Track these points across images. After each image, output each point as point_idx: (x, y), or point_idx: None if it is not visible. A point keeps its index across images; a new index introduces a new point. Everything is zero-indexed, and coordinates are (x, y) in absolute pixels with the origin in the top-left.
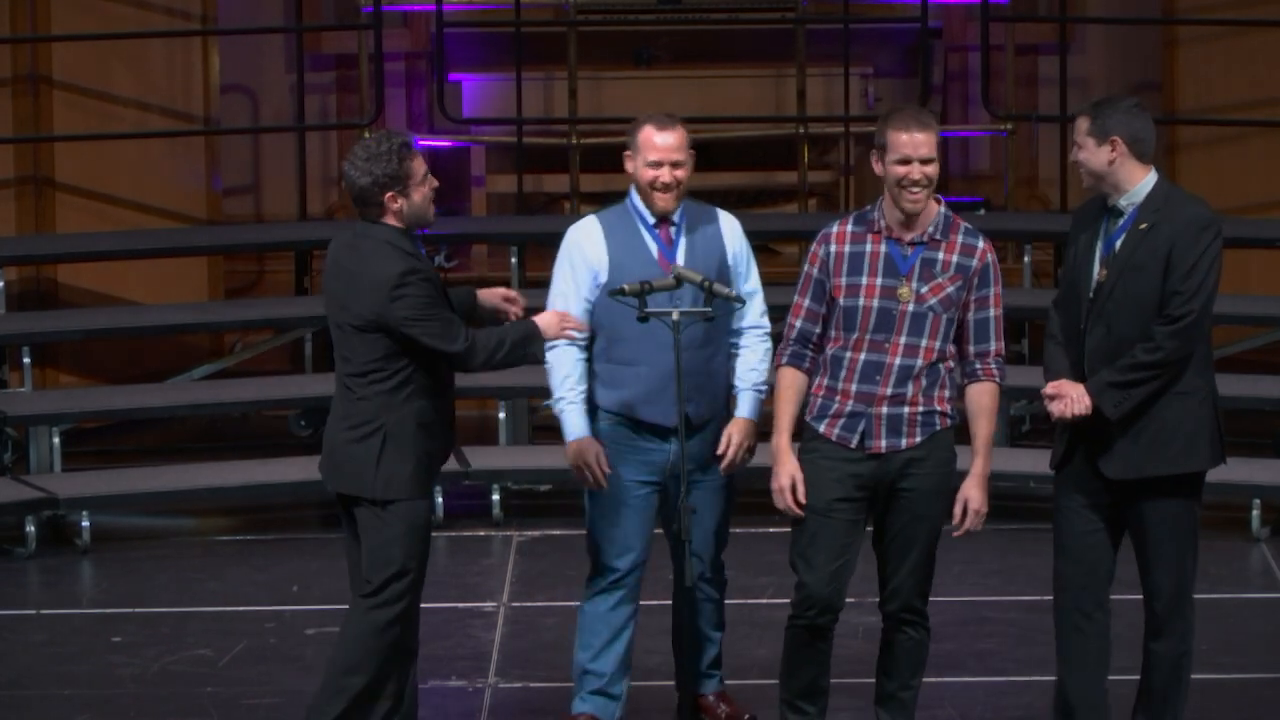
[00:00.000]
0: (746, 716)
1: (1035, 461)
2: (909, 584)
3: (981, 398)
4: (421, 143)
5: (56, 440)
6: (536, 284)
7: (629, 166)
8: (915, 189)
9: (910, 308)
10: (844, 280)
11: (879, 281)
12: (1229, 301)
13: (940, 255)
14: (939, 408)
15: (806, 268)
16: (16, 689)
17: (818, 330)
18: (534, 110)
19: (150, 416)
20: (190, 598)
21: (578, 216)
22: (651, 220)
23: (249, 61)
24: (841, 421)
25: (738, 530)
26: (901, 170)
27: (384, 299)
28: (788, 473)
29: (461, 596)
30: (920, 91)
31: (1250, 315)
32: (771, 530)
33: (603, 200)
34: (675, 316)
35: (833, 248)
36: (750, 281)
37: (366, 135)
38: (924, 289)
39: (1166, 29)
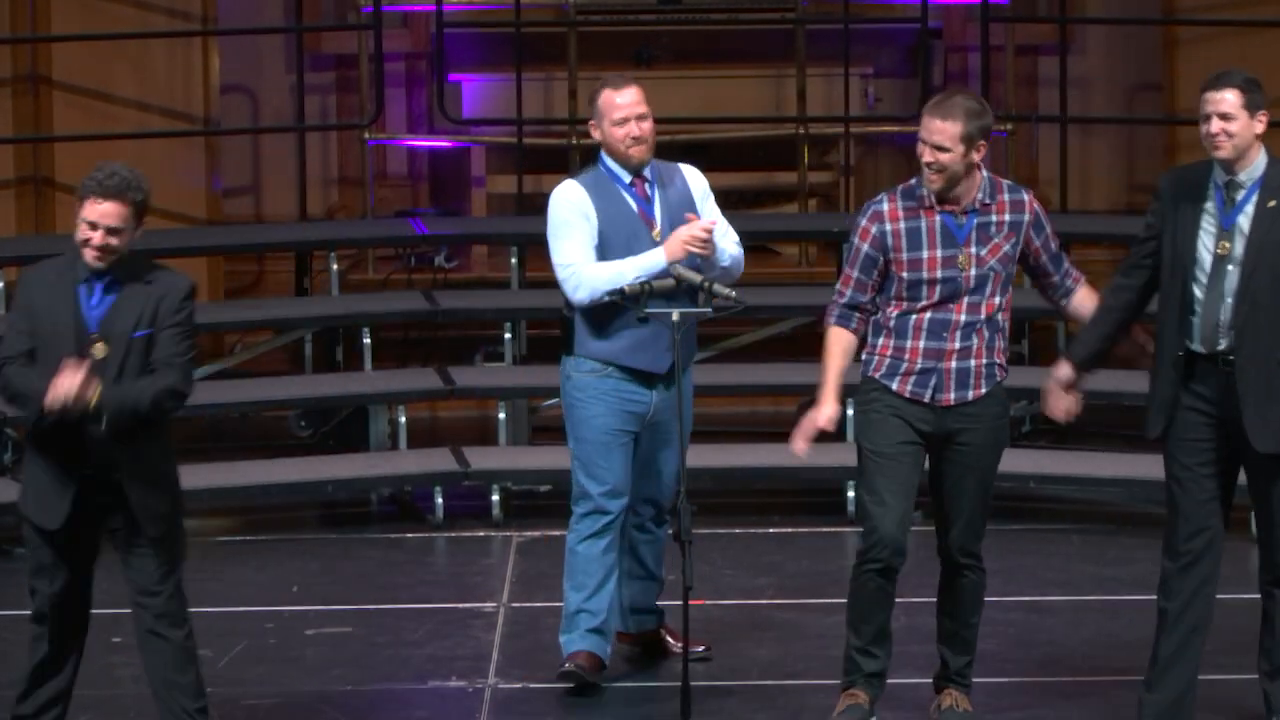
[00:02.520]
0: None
1: (1035, 462)
2: (967, 532)
3: (1088, 300)
4: (422, 143)
5: None
6: (536, 284)
7: (595, 134)
8: (927, 170)
9: (973, 271)
10: (905, 255)
11: (939, 253)
12: None
13: (993, 217)
14: (998, 360)
15: (857, 243)
16: (10, 695)
17: (866, 299)
18: (534, 111)
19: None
20: (190, 598)
21: None
22: (626, 179)
23: (249, 62)
24: (913, 378)
25: (737, 530)
26: (919, 150)
27: None
28: (825, 415)
29: (461, 596)
30: (920, 92)
31: None
32: (771, 531)
33: None
34: (675, 317)
35: (888, 226)
36: (716, 213)
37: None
38: (983, 252)
39: (1166, 29)
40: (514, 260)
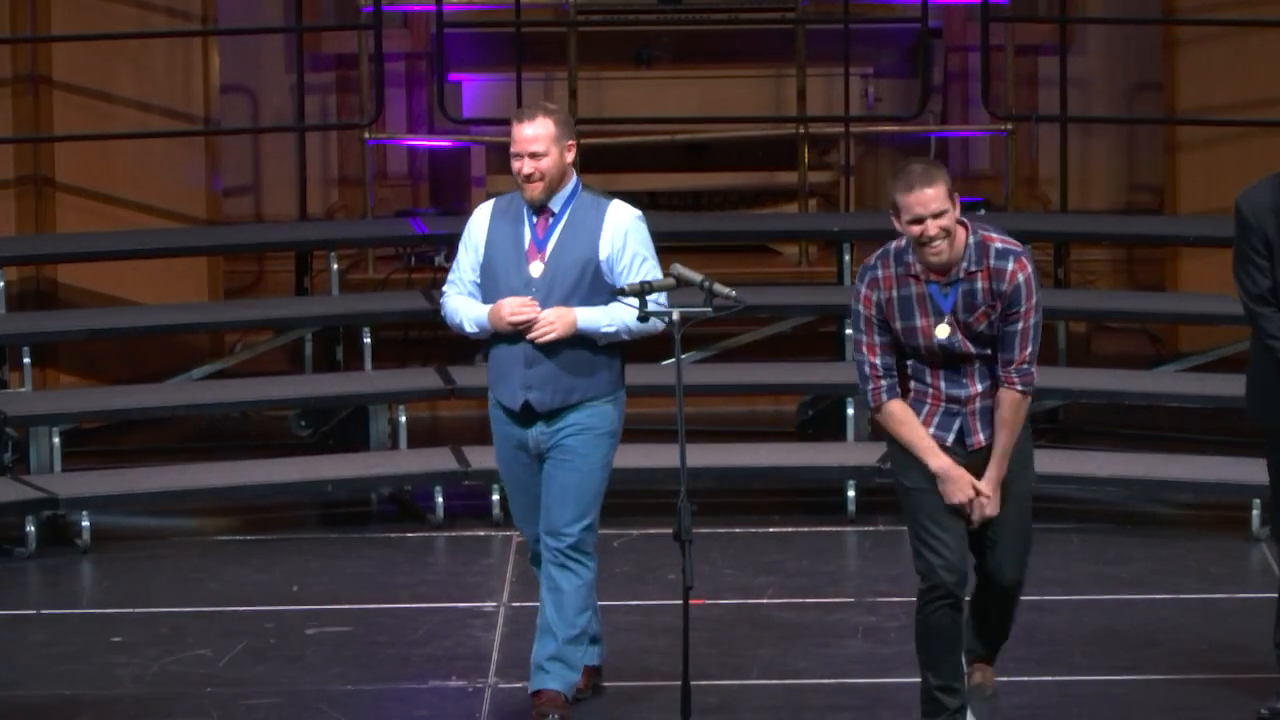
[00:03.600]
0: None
1: (1037, 462)
2: (1010, 557)
3: (1003, 408)
4: (422, 143)
5: (57, 440)
6: None
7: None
8: (934, 243)
9: (965, 334)
10: (899, 325)
11: (930, 320)
12: (1228, 302)
13: (978, 284)
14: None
15: (862, 310)
16: (17, 689)
17: (893, 359)
18: None
19: (150, 417)
20: (190, 598)
21: None
22: (533, 210)
23: (249, 61)
24: (935, 422)
25: (737, 530)
26: (916, 230)
27: None
28: (967, 479)
29: (462, 596)
30: (920, 92)
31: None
32: (771, 530)
33: None
34: (675, 316)
35: (883, 294)
36: (636, 275)
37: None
38: (970, 319)
39: (1167, 29)
40: None
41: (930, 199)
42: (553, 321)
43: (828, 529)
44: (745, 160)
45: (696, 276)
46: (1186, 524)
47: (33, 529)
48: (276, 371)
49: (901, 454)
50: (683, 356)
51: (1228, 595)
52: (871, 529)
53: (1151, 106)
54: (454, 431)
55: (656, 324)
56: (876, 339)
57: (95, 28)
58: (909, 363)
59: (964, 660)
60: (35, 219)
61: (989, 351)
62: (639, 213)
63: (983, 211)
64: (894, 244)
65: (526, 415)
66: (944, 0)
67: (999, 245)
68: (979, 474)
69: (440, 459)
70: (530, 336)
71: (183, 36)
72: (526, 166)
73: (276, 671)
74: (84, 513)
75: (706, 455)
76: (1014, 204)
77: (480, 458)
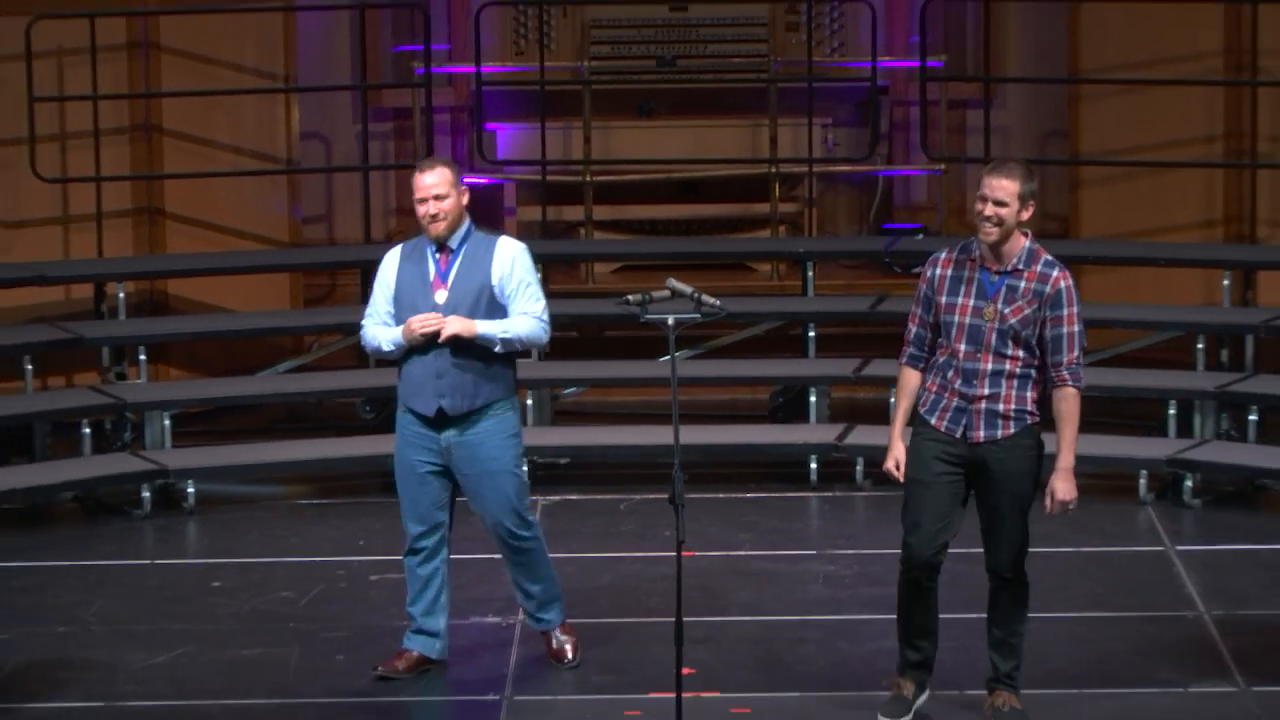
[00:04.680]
0: (568, 653)
1: None
2: (1005, 550)
3: (1060, 403)
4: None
5: (167, 423)
6: (558, 295)
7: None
8: (986, 224)
9: (996, 324)
10: (944, 299)
11: (971, 302)
12: (1124, 309)
13: (1022, 283)
14: (1029, 408)
15: (919, 286)
16: (135, 625)
17: (929, 335)
18: (555, 153)
19: (243, 403)
20: (276, 550)
21: (592, 240)
22: (435, 248)
23: (323, 113)
24: (949, 415)
25: (721, 496)
26: (979, 205)
27: None
28: (893, 457)
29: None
30: (870, 138)
31: (1139, 320)
32: (748, 496)
33: (612, 226)
34: (670, 321)
35: (938, 270)
36: (521, 299)
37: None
38: (1007, 310)
39: (1071, 87)
40: (539, 275)
41: (998, 187)
42: (438, 322)
43: (794, 494)
44: (728, 194)
45: (688, 289)
46: (1086, 490)
47: (148, 495)
48: (346, 366)
49: (914, 446)
50: (676, 354)
51: (1120, 549)
52: (830, 495)
53: (1058, 150)
54: None
55: (541, 336)
56: (919, 312)
57: (198, 85)
58: (940, 359)
59: (986, 685)
60: (149, 242)
61: (1014, 351)
62: (524, 245)
63: (921, 236)
64: (967, 240)
65: (440, 420)
66: (889, 64)
67: (1048, 257)
68: (986, 471)
69: None
70: (441, 334)
71: (269, 93)
72: (431, 208)
73: (346, 610)
74: (189, 481)
75: (695, 434)
76: (947, 230)
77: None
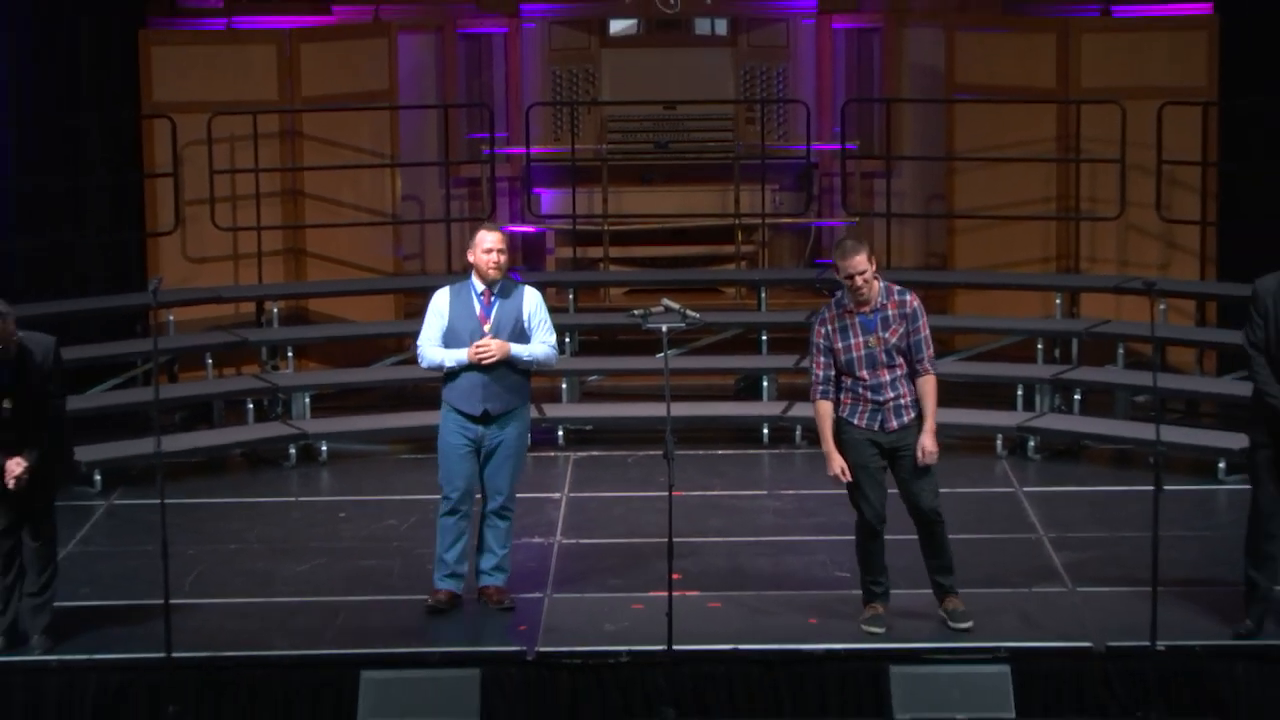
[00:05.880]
0: (505, 602)
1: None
2: (927, 501)
3: (924, 385)
4: (517, 229)
5: (307, 400)
6: (584, 310)
7: (470, 257)
8: (860, 292)
9: (883, 347)
10: (839, 344)
11: (860, 339)
12: (986, 320)
13: (890, 313)
14: (914, 399)
15: (816, 340)
16: (283, 544)
17: (833, 373)
18: (582, 210)
19: (361, 386)
20: (386, 490)
21: (608, 271)
22: (480, 289)
23: (418, 181)
24: (867, 416)
25: (700, 452)
26: (849, 282)
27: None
28: (837, 464)
29: (541, 489)
30: (806, 199)
31: (997, 328)
32: (719, 452)
33: (623, 262)
34: (664, 329)
35: (828, 327)
36: (541, 331)
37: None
38: (886, 334)
39: (948, 162)
40: (571, 296)
41: (857, 264)
42: (495, 347)
43: (751, 452)
44: (705, 238)
45: (677, 305)
46: (960, 449)
47: (293, 451)
48: None
49: (848, 440)
50: (669, 352)
51: (983, 490)
52: (777, 452)
53: (938, 207)
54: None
55: (554, 359)
56: (822, 359)
57: (330, 161)
58: (846, 379)
59: (936, 596)
60: (295, 273)
61: (900, 360)
62: (538, 292)
63: None
64: (836, 294)
65: (484, 418)
66: (819, 147)
67: (898, 288)
68: (896, 447)
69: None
70: (485, 359)
71: (380, 167)
72: (495, 258)
73: (433, 535)
74: (323, 442)
75: (681, 409)
76: None
77: (551, 410)
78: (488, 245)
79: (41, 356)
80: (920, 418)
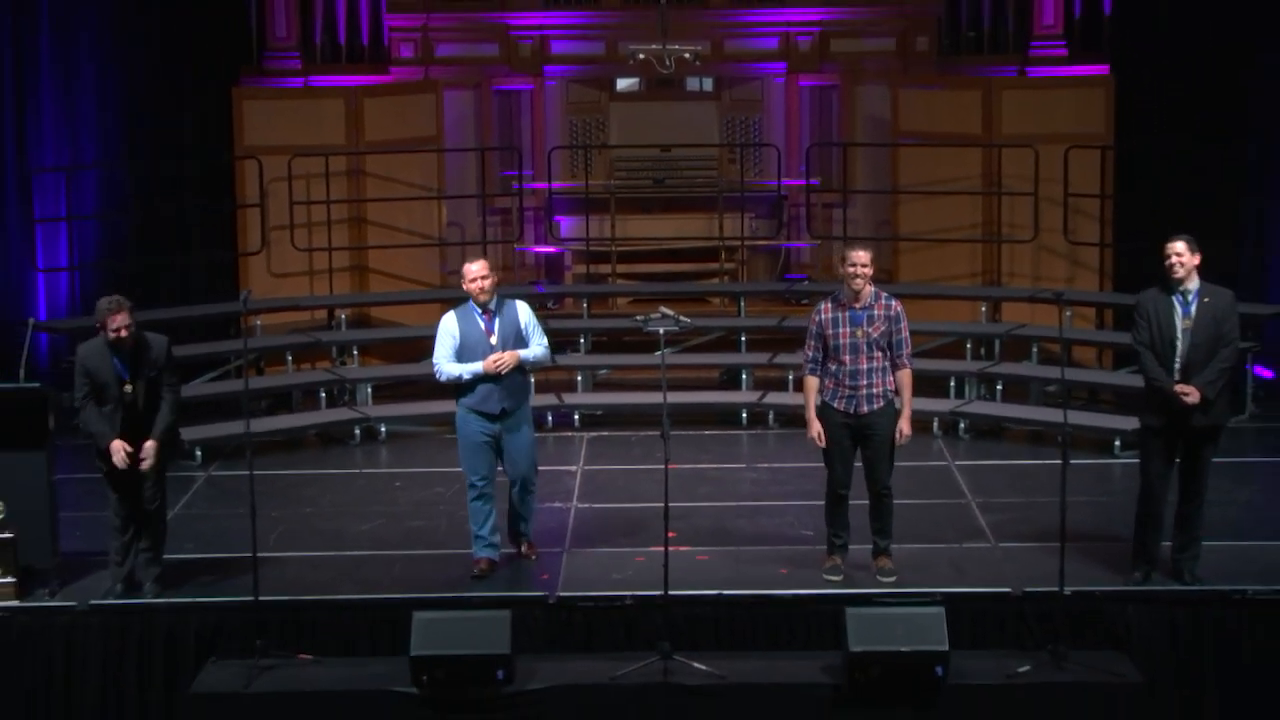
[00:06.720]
0: (534, 555)
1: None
2: (881, 476)
3: (903, 377)
4: (541, 250)
5: (370, 389)
6: (596, 316)
7: (465, 286)
8: (857, 279)
9: (865, 340)
10: (830, 332)
11: (848, 329)
12: (925, 324)
13: (876, 312)
14: (889, 389)
15: (811, 326)
16: (350, 508)
17: (821, 355)
18: (595, 233)
19: (412, 380)
20: (434, 462)
21: (615, 284)
22: (479, 310)
23: (460, 211)
24: (844, 399)
25: (690, 433)
26: (849, 270)
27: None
28: (814, 429)
29: (559, 462)
30: (777, 226)
31: (934, 330)
32: (706, 432)
33: (628, 276)
34: (661, 331)
35: (824, 316)
36: (536, 335)
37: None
38: (870, 329)
39: (894, 194)
40: (585, 304)
41: (861, 257)
42: (508, 359)
43: (732, 432)
44: (694, 257)
45: (672, 312)
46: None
47: (358, 431)
48: None
49: (826, 421)
50: (665, 350)
51: (921, 464)
52: (754, 432)
53: (886, 231)
54: (560, 387)
55: (549, 358)
56: (813, 343)
57: (388, 194)
58: (832, 364)
59: (872, 554)
60: (360, 285)
61: (877, 354)
62: (527, 304)
63: (806, 282)
64: (834, 291)
65: (501, 415)
66: (788, 182)
67: (886, 294)
68: (868, 429)
69: (551, 399)
70: (503, 370)
71: (428, 199)
72: (481, 284)
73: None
74: (382, 424)
75: (676, 398)
76: (822, 278)
77: (569, 398)
78: (473, 276)
79: (157, 352)
80: (889, 405)
